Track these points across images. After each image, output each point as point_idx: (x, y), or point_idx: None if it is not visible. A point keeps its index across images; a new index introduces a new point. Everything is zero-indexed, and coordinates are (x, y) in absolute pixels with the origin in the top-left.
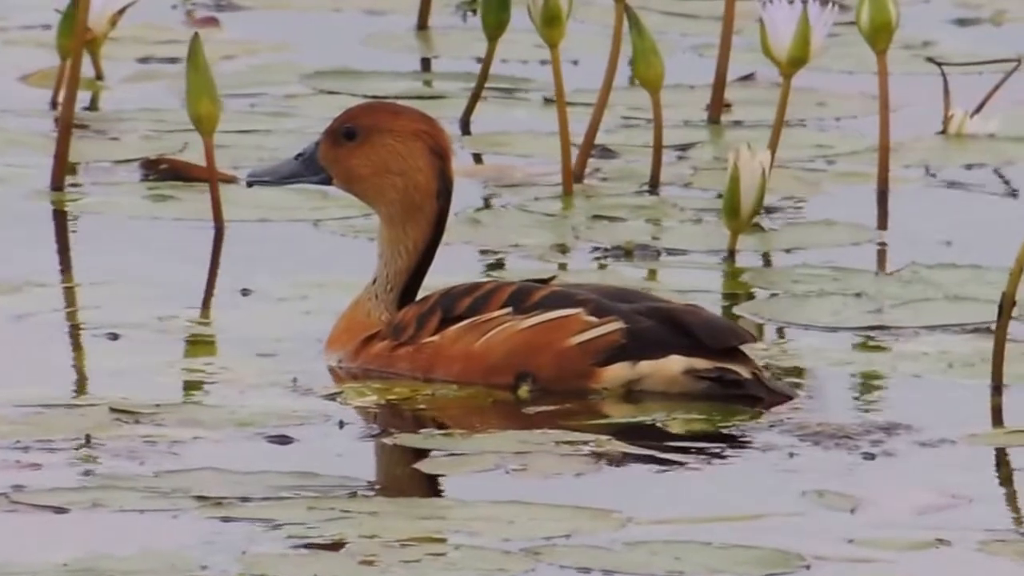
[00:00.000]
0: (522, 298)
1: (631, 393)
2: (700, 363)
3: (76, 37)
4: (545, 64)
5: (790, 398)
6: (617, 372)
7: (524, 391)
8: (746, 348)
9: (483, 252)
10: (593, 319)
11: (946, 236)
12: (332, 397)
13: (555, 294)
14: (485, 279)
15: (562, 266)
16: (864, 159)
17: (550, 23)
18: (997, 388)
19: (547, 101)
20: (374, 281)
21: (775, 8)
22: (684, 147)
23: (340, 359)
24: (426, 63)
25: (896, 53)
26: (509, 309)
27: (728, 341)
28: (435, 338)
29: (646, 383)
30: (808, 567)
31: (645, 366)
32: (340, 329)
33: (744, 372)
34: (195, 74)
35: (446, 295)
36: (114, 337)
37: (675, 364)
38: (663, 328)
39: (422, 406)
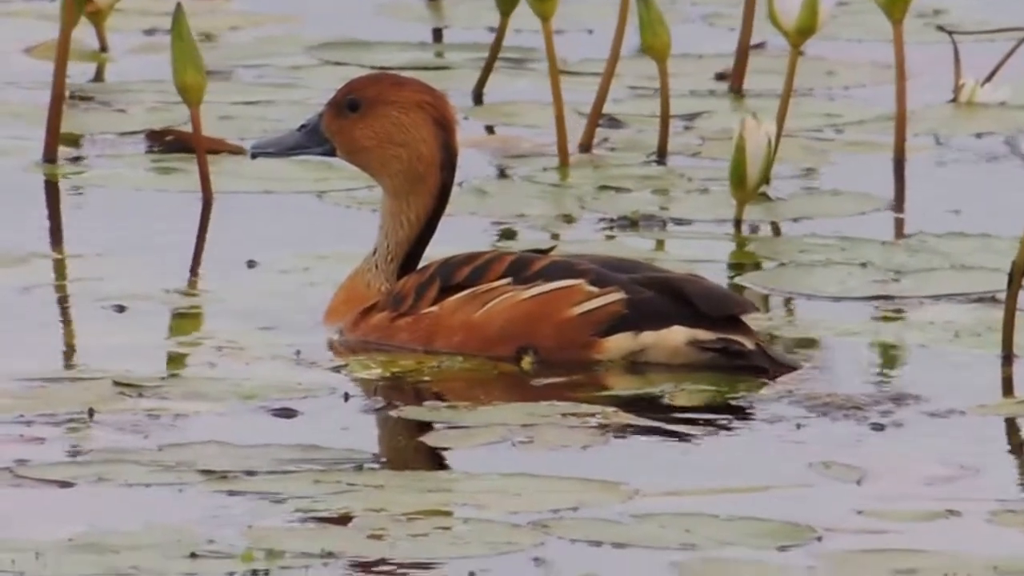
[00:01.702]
0: (522, 268)
1: (636, 365)
2: (703, 334)
3: (68, 9)
4: (559, 34)
5: (794, 368)
6: (619, 343)
7: (527, 363)
8: (748, 318)
9: (490, 223)
10: (594, 289)
11: (955, 205)
12: (336, 370)
13: (555, 264)
14: (484, 249)
15: (556, 236)
16: (873, 128)
17: None
18: (1007, 358)
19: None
20: (374, 252)
21: None
22: (692, 116)
23: (339, 330)
24: (437, 33)
25: (907, 22)
26: (509, 279)
27: (729, 310)
28: (434, 308)
29: (648, 354)
30: (820, 539)
31: (647, 337)
32: (339, 300)
33: (747, 343)
34: (180, 44)
35: (445, 264)
36: (120, 309)
37: (678, 335)
38: (664, 298)
39: (427, 378)
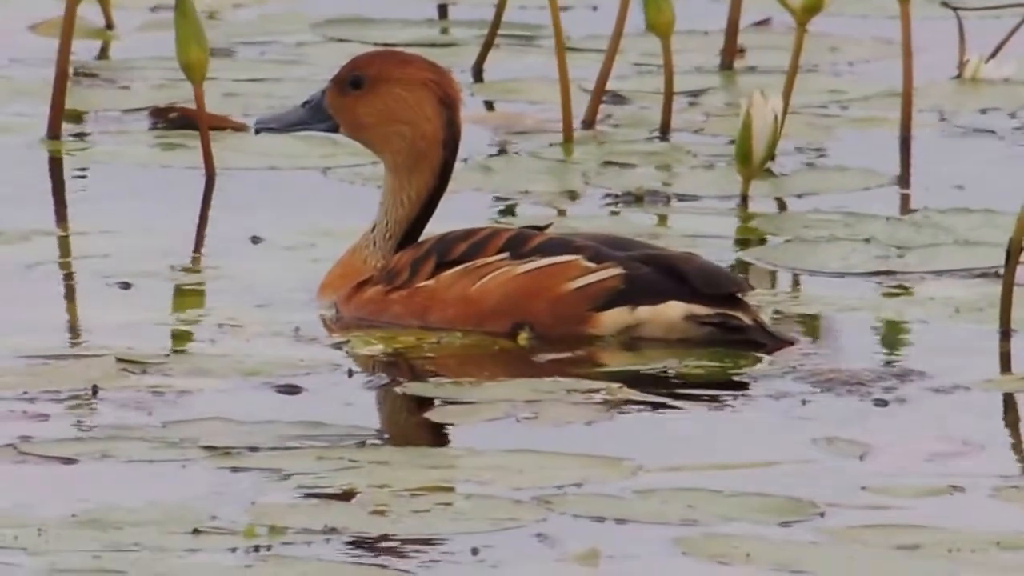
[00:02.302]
0: (519, 244)
1: (638, 341)
2: (700, 309)
3: None
4: (564, 11)
5: (792, 343)
6: (615, 317)
7: (523, 338)
8: (744, 295)
9: (494, 199)
10: (591, 265)
11: (960, 181)
12: (337, 346)
13: (552, 241)
14: (483, 225)
15: (562, 212)
16: (878, 104)
17: None
18: (1005, 333)
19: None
20: (373, 228)
21: None
22: (697, 93)
23: (332, 304)
24: (443, 10)
25: None
26: (506, 255)
27: (724, 288)
28: (430, 282)
29: (645, 329)
30: (822, 514)
31: (644, 311)
32: (335, 275)
33: (745, 318)
34: (183, 21)
35: (441, 240)
36: (126, 286)
37: (675, 309)
38: (661, 274)
39: (429, 354)
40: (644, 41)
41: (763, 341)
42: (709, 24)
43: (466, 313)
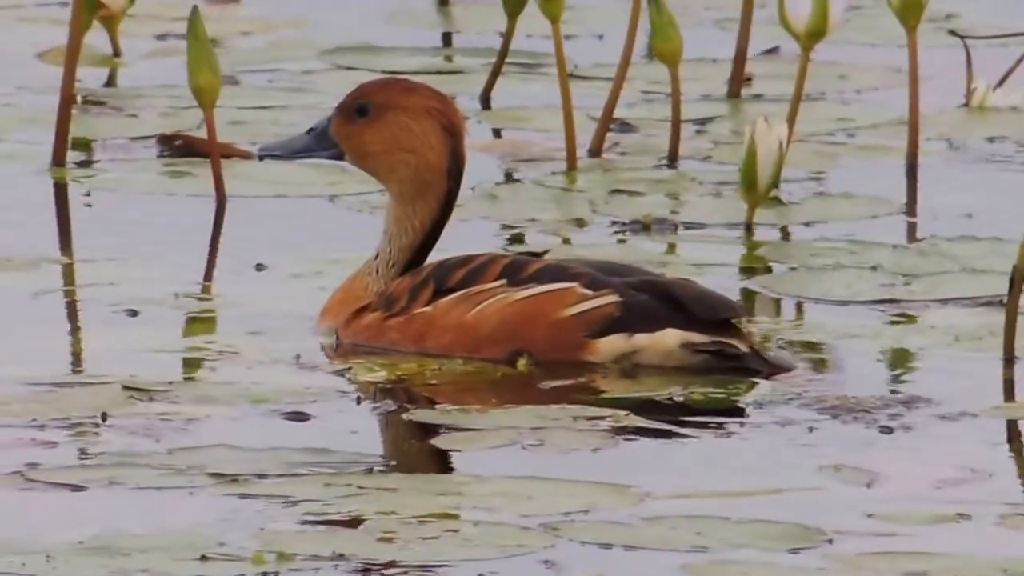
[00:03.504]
0: (517, 271)
1: (638, 368)
2: (697, 336)
3: (76, 12)
4: (569, 39)
5: (789, 370)
6: (612, 344)
7: (523, 365)
8: (740, 322)
9: (501, 227)
10: (588, 292)
11: (967, 209)
12: (341, 373)
13: (550, 267)
14: (479, 252)
15: (567, 240)
16: (885, 132)
17: None
18: (1009, 361)
19: (570, 76)
20: (376, 256)
21: None
22: (704, 121)
23: (331, 330)
24: (447, 38)
25: (919, 26)
26: (503, 281)
27: (721, 314)
28: (427, 309)
29: (642, 356)
30: (830, 541)
31: (641, 339)
32: (335, 300)
33: (741, 345)
34: (196, 45)
35: (440, 267)
36: (133, 314)
37: (671, 337)
38: (657, 301)
39: (432, 381)
40: (652, 69)
41: (760, 368)
42: (717, 52)
43: (463, 339)
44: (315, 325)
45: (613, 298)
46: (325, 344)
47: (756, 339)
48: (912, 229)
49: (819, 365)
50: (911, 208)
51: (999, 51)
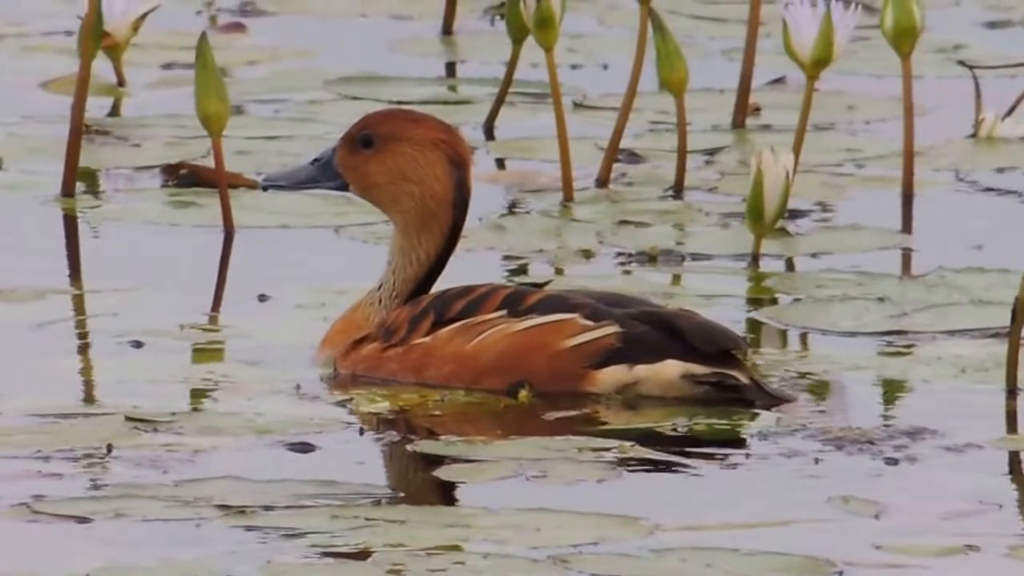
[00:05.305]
0: (517, 301)
1: (643, 399)
2: (697, 368)
3: (84, 42)
4: (576, 68)
5: (790, 401)
6: (612, 375)
7: (524, 396)
8: (741, 353)
9: (507, 257)
10: (589, 323)
11: (977, 240)
12: (342, 404)
13: (550, 298)
14: (479, 283)
15: (559, 271)
16: (894, 163)
17: (543, 26)
18: (1011, 392)
19: (576, 105)
20: (379, 287)
21: (798, 9)
22: (711, 151)
23: (329, 360)
24: (451, 68)
25: (927, 56)
26: (503, 312)
27: (722, 345)
28: (426, 339)
29: (642, 387)
30: (840, 573)
31: (641, 370)
32: (335, 330)
33: (742, 377)
34: (204, 73)
35: (439, 297)
36: (138, 345)
37: (672, 368)
38: (658, 332)
39: (435, 412)
40: (659, 99)
41: (760, 399)
42: (724, 82)
43: (463, 371)
44: (314, 355)
45: (613, 329)
46: (324, 374)
47: (757, 371)
48: (918, 261)
49: (824, 396)
50: (913, 239)
51: (1007, 82)
